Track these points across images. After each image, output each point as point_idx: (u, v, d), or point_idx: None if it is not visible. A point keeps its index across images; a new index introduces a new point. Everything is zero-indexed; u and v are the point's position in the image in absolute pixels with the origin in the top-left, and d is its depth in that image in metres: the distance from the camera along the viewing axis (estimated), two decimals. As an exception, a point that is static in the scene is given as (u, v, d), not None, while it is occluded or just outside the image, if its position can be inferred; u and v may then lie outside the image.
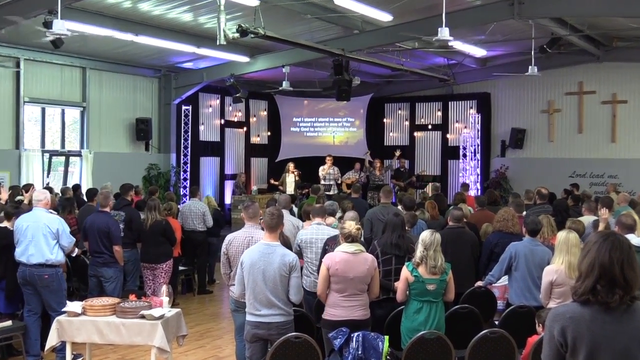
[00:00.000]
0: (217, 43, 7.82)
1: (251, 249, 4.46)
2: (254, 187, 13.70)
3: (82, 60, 12.05)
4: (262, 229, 4.64)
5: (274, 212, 4.42)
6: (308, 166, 15.05)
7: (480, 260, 6.29)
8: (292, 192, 12.95)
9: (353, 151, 16.12)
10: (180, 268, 8.81)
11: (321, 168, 13.76)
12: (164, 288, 5.21)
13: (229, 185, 15.10)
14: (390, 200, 7.70)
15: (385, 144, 16.44)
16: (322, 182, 13.46)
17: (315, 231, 5.73)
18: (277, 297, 4.27)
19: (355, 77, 12.08)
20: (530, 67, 10.95)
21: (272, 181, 13.64)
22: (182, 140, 13.81)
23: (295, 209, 9.39)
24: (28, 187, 8.41)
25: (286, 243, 5.44)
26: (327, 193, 12.70)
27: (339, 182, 14.02)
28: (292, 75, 12.69)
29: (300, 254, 5.60)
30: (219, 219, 9.51)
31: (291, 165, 13.32)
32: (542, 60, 11.84)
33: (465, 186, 11.91)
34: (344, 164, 14.99)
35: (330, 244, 5.35)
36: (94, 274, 6.65)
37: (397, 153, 14.53)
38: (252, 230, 4.98)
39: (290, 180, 13.27)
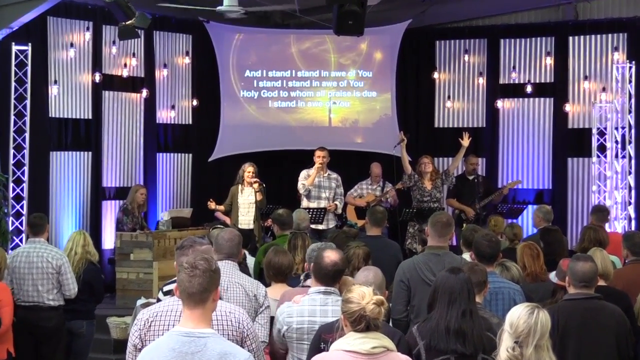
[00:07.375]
0: None
1: (158, 344, 4.51)
2: (163, 215, 13.66)
3: None
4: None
5: (197, 263, 4.48)
6: (276, 171, 15.04)
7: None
8: (251, 226, 12.92)
9: (370, 140, 16.24)
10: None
11: (303, 174, 13.78)
12: None
13: (109, 211, 15.12)
14: (447, 241, 7.76)
15: (436, 125, 16.71)
16: (305, 202, 13.53)
17: (316, 308, 5.82)
18: None
19: (374, -13, 12.18)
20: None
21: (211, 204, 13.54)
22: (13, 117, 13.76)
23: (250, 261, 9.38)
24: None
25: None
26: (315, 227, 12.68)
27: (341, 203, 14.03)
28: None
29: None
30: (91, 280, 9.60)
31: (249, 170, 13.24)
32: None
33: (603, 213, 11.91)
34: (352, 166, 15.03)
35: (327, 338, 5.41)
36: None
37: (466, 139, 14.45)
38: None
39: (247, 199, 13.24)
